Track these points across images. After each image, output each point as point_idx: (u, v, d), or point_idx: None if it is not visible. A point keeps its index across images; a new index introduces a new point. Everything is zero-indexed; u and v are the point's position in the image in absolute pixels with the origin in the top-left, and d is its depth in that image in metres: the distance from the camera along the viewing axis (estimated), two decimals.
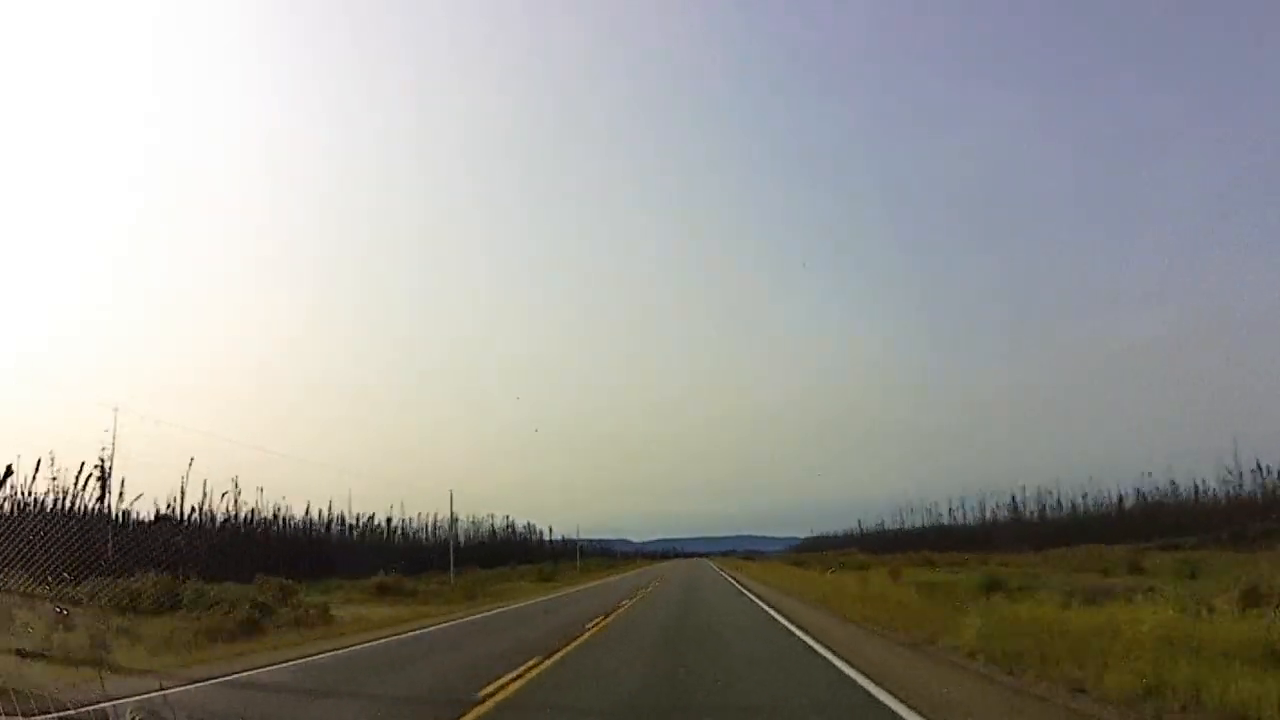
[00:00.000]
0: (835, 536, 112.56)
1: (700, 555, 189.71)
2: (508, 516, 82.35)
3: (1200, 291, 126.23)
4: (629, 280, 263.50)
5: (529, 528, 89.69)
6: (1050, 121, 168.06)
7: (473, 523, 73.72)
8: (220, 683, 10.15)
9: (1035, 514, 65.31)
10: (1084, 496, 62.78)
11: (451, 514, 47.74)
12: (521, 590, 37.52)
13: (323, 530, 48.62)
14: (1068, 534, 53.13)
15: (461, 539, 71.34)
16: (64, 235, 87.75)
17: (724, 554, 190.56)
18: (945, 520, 76.03)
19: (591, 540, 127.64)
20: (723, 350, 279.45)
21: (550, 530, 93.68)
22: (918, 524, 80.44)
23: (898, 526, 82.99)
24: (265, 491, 42.84)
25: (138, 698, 7.79)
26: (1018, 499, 66.39)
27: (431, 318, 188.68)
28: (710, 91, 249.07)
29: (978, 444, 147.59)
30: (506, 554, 69.67)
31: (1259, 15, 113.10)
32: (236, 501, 39.89)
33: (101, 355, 72.21)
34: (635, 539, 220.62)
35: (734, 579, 43.65)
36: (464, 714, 7.68)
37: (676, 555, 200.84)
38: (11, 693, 6.15)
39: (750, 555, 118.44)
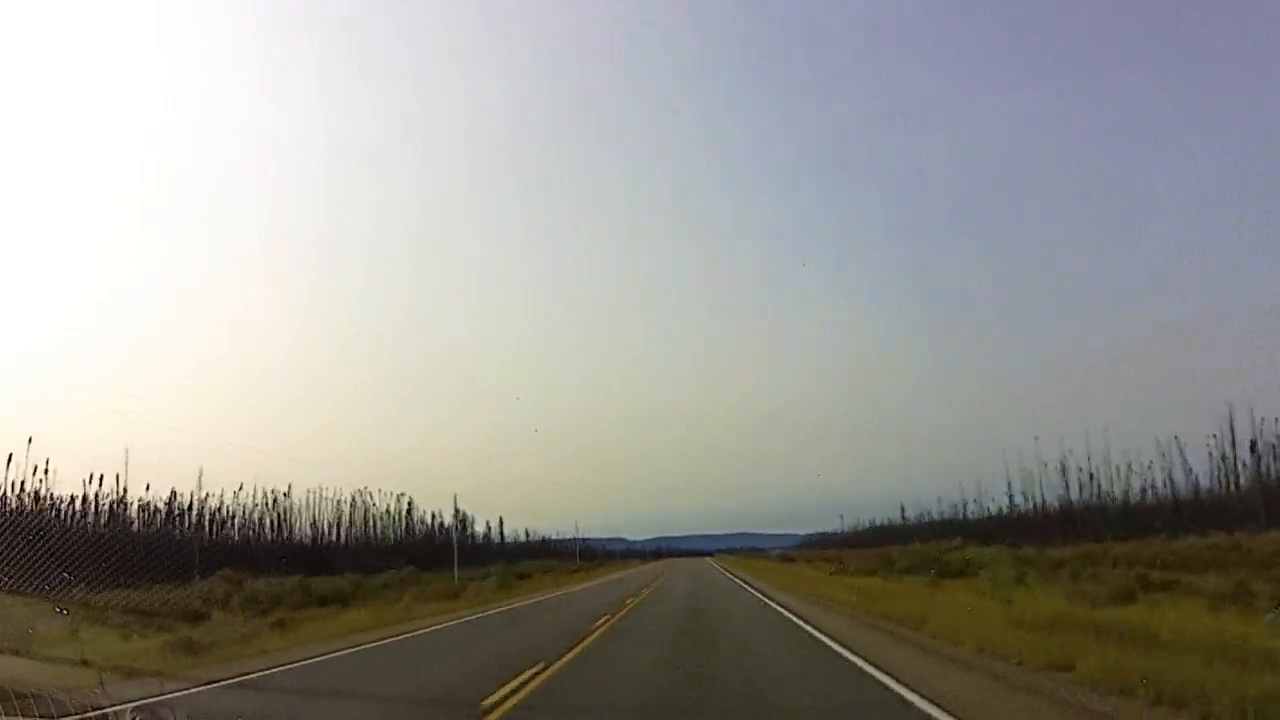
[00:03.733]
0: (873, 528, 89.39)
1: (701, 554, 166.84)
2: (403, 496, 58.74)
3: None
4: (628, 278, 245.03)
5: (461, 519, 65.94)
6: (1051, 118, 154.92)
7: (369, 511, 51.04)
8: None
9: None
10: None
11: None
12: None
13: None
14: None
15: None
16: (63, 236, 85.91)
17: (725, 552, 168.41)
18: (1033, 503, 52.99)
19: (577, 539, 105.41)
20: (721, 348, 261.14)
21: (501, 523, 71.79)
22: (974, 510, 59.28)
23: (981, 513, 60.45)
24: None
25: None
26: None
27: (429, 317, 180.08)
28: (710, 89, 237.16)
29: (977, 441, 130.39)
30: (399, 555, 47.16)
31: (1261, 10, 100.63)
32: None
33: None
34: (631, 537, 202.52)
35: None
36: None
37: (672, 554, 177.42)
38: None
39: (784, 558, 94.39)
